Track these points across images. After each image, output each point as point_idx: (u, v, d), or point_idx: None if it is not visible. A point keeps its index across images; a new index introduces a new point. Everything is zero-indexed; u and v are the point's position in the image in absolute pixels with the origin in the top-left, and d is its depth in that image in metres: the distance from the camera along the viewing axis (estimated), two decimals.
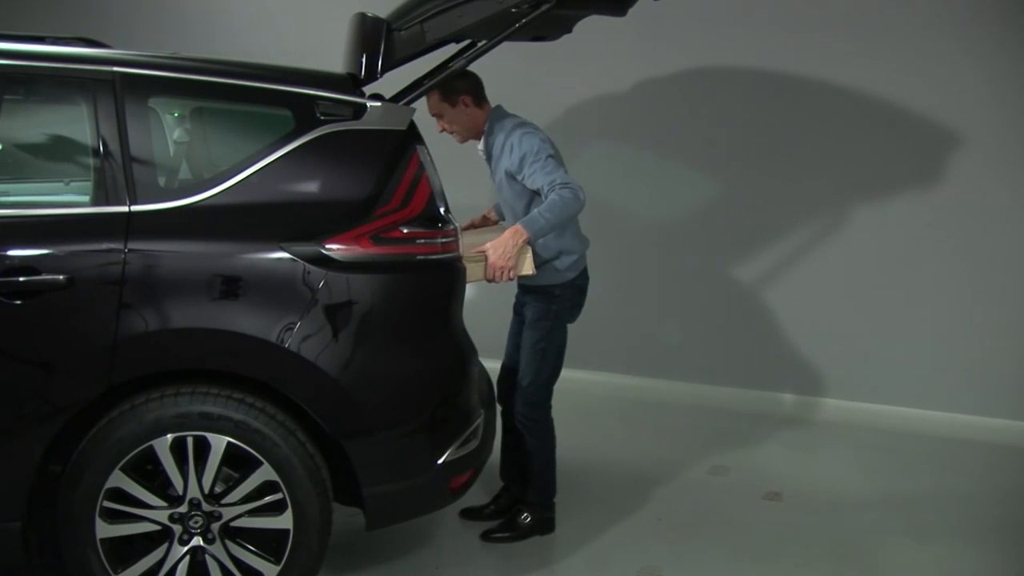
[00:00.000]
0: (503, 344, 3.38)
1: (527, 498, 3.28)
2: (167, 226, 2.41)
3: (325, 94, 2.57)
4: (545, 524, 3.28)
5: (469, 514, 3.40)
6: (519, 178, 3.02)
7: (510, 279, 2.87)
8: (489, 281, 2.85)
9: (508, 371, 3.31)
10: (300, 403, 2.48)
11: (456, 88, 3.06)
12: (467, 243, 2.79)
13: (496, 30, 2.74)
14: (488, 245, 2.83)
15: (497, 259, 2.80)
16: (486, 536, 3.25)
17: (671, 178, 4.97)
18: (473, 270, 2.76)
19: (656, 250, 5.04)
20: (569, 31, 3.39)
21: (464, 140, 3.21)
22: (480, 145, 3.20)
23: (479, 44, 2.89)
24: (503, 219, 3.45)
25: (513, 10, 2.67)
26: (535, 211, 2.89)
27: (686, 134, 4.90)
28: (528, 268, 2.87)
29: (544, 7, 2.68)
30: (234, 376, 2.45)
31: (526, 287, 3.15)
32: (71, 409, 2.35)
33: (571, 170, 3.06)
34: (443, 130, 3.17)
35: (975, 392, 4.51)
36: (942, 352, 4.56)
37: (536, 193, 3.00)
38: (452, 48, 3.12)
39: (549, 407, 3.23)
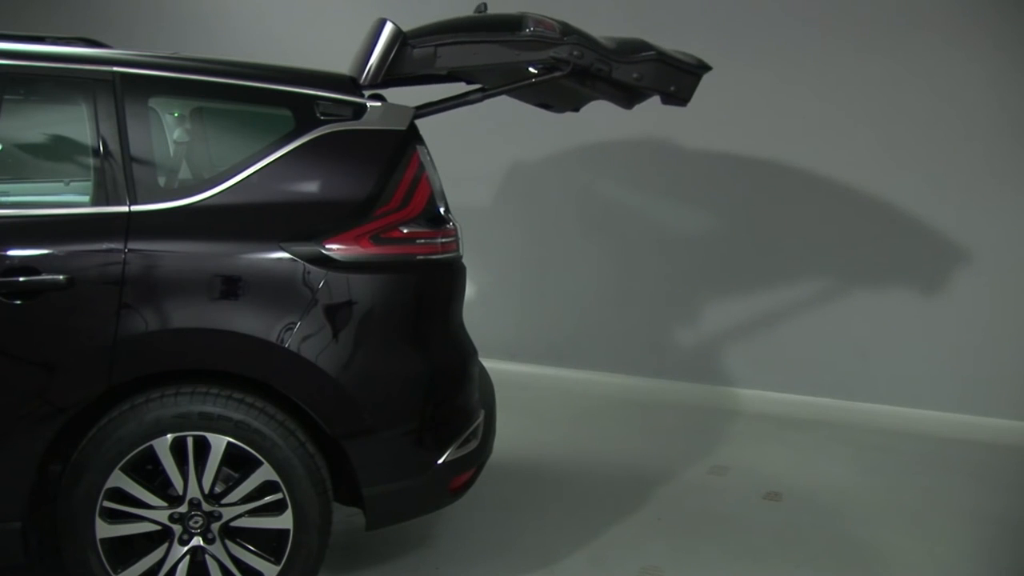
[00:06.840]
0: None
1: None
2: (167, 226, 2.41)
3: (325, 94, 2.57)
4: None
5: None
6: None
7: None
8: None
9: None
10: (300, 403, 2.48)
11: None
12: None
13: (505, 81, 2.78)
14: None
15: None
16: None
17: (672, 180, 4.97)
18: None
19: (656, 250, 5.04)
20: (576, 110, 3.39)
21: None
22: None
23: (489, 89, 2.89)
24: None
25: (528, 68, 2.70)
26: None
27: (686, 137, 4.90)
28: None
29: (556, 74, 2.74)
30: (234, 376, 2.46)
31: None
32: (71, 409, 2.35)
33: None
34: None
35: (974, 392, 4.51)
36: (941, 352, 4.57)
37: None
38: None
39: None
